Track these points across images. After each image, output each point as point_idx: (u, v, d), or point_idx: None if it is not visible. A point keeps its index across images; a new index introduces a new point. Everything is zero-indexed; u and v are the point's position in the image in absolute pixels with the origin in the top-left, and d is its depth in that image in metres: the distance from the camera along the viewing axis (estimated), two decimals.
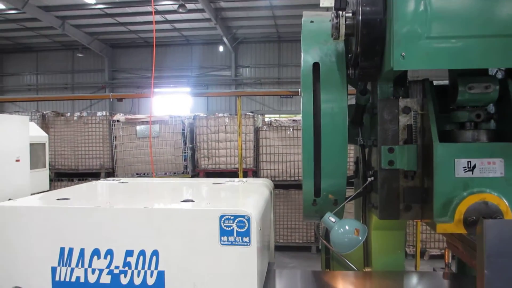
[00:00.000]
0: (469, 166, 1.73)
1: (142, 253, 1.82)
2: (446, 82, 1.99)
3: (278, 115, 17.31)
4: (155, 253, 1.81)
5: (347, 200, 2.16)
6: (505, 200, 1.69)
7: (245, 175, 7.34)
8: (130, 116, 8.18)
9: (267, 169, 7.47)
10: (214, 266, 1.76)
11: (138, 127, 7.84)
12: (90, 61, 20.50)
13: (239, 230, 1.72)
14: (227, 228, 1.72)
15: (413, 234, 6.68)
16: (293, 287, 2.10)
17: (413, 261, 5.96)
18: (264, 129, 7.53)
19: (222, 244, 1.73)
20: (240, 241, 1.72)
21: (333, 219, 2.06)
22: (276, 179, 7.40)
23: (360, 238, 2.00)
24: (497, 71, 2.02)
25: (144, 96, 8.84)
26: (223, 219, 1.72)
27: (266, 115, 15.44)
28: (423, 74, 2.13)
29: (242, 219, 1.71)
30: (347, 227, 2.02)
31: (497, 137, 1.83)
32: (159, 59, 19.14)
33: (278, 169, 7.43)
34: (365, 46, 1.79)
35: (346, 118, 2.04)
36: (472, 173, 1.72)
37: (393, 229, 2.24)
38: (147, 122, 7.71)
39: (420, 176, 1.91)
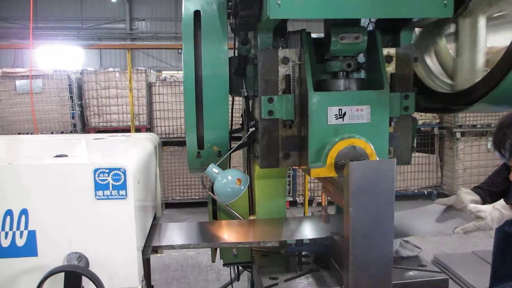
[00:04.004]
0: (340, 113, 1.82)
1: (8, 213, 1.68)
2: None
3: (176, 72, 16.86)
4: (24, 212, 1.68)
5: (231, 151, 2.18)
6: (370, 144, 1.82)
7: (139, 132, 7.12)
8: (7, 70, 7.39)
9: (161, 126, 7.31)
10: (91, 221, 1.69)
11: (17, 82, 7.14)
12: None
13: (115, 183, 1.66)
14: (102, 182, 1.65)
15: (302, 184, 7.08)
16: (178, 238, 2.10)
17: (302, 209, 6.36)
18: (158, 84, 7.30)
19: (98, 199, 1.66)
20: (117, 194, 1.66)
21: (216, 170, 2.07)
22: (171, 136, 7.30)
23: (242, 187, 2.05)
24: (368, 23, 2.13)
25: (22, 46, 8.02)
26: (97, 173, 1.65)
27: (163, 72, 14.96)
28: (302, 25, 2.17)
29: (117, 172, 1.65)
30: (229, 177, 2.05)
31: (366, 86, 1.95)
32: (44, 8, 17.39)
33: (173, 125, 7.31)
34: None
35: (227, 68, 2.03)
36: (343, 120, 1.82)
37: (275, 177, 2.33)
38: (28, 77, 7.03)
39: (298, 125, 1.98)
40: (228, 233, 2.22)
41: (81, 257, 1.70)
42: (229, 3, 2.01)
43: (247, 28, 1.98)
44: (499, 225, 1.98)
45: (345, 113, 1.82)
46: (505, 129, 1.46)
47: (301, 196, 7.37)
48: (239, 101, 2.31)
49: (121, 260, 1.72)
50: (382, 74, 1.85)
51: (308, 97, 1.80)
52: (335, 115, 1.82)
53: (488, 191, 2.26)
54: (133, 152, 1.95)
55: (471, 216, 2.04)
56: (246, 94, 2.13)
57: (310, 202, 7.21)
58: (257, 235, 2.18)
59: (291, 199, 7.51)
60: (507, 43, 1.59)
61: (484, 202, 2.16)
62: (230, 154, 2.20)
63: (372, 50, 1.92)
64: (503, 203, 2.00)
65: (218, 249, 2.54)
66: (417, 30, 2.24)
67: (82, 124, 7.52)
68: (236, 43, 2.14)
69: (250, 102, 2.23)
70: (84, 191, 1.66)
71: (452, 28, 2.04)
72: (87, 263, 1.70)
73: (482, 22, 1.82)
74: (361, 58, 2.01)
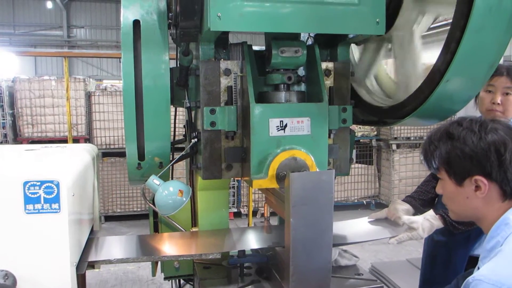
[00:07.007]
0: (281, 125, 1.85)
1: None
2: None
3: (118, 81, 16.42)
4: None
5: (172, 162, 2.15)
6: (311, 156, 1.86)
7: (77, 143, 6.85)
8: None
9: (101, 137, 7.06)
10: (19, 237, 1.60)
11: None
12: None
13: (47, 196, 1.58)
14: (32, 195, 1.57)
15: (246, 195, 7.10)
16: (116, 252, 2.03)
17: (247, 220, 6.36)
18: (97, 94, 7.07)
19: (28, 213, 1.58)
20: (49, 208, 1.59)
21: (157, 182, 2.03)
22: (112, 147, 7.08)
23: (184, 199, 2.02)
24: (308, 37, 2.20)
25: None
26: (27, 186, 1.56)
27: (104, 81, 14.52)
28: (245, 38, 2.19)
29: (50, 184, 1.58)
30: (171, 189, 2.01)
31: (306, 98, 2.00)
32: None
33: (114, 136, 7.09)
34: (184, 5, 1.76)
35: (168, 79, 2.00)
36: (284, 132, 1.85)
37: (217, 188, 2.31)
38: None
39: (240, 136, 1.99)
40: (170, 246, 2.17)
41: (7, 275, 1.60)
42: (170, 14, 2.00)
43: (189, 39, 1.97)
44: (429, 234, 2.10)
45: (286, 125, 1.85)
46: (436, 142, 1.54)
47: (245, 207, 7.38)
48: (183, 111, 2.29)
49: (53, 276, 1.64)
50: (321, 87, 1.91)
51: (250, 108, 1.81)
52: (277, 126, 1.84)
53: (419, 200, 2.39)
54: (68, 164, 1.86)
55: (404, 227, 2.14)
56: (188, 105, 2.12)
57: (255, 213, 7.23)
58: (199, 247, 2.15)
59: (236, 210, 7.49)
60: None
61: (416, 209, 2.27)
62: (172, 165, 2.17)
63: (311, 64, 1.97)
64: (432, 214, 2.12)
65: (159, 263, 2.48)
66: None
67: (14, 135, 7.12)
68: (178, 54, 2.13)
69: (193, 113, 2.21)
70: (12, 205, 1.57)
71: (385, 45, 2.14)
72: (14, 281, 1.60)
73: (410, 38, 1.93)
74: (301, 71, 2.06)
